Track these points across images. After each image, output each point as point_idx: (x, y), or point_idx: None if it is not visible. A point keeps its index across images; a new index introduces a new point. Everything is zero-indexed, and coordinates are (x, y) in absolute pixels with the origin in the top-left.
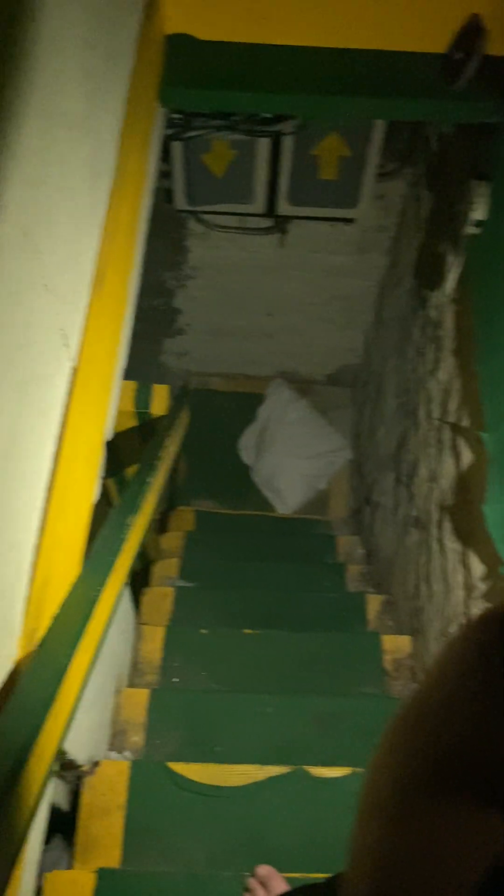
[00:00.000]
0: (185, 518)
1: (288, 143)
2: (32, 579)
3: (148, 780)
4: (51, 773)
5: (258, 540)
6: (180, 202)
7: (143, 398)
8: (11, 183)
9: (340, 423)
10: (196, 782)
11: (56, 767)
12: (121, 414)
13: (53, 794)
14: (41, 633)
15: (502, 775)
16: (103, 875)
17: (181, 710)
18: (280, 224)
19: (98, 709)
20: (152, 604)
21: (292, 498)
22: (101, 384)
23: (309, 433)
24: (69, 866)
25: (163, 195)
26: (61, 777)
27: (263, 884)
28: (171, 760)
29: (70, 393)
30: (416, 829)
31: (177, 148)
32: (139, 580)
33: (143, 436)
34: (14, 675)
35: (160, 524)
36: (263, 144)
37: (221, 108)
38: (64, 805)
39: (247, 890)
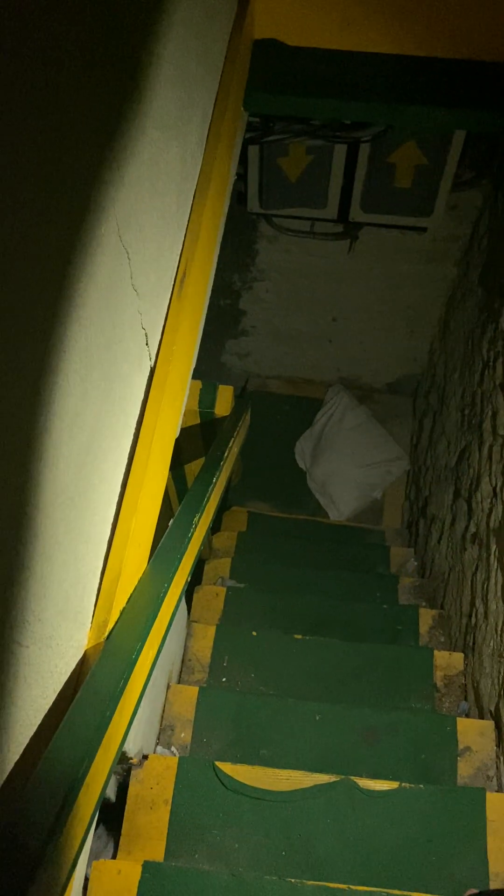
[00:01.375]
0: (237, 518)
1: (365, 150)
2: (104, 573)
3: (195, 777)
4: (117, 761)
5: (310, 545)
6: (253, 204)
7: (207, 398)
8: (109, 185)
9: (399, 433)
10: (243, 783)
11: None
12: (186, 413)
13: None
14: (110, 625)
15: None
16: (148, 868)
17: (229, 710)
18: (350, 230)
19: (150, 703)
20: (204, 602)
21: (346, 505)
22: (175, 384)
23: (366, 441)
24: (113, 856)
25: (235, 197)
26: (116, 773)
27: None
28: (218, 759)
29: (147, 392)
30: None
31: (253, 151)
32: (191, 578)
33: (205, 435)
34: (83, 664)
35: (213, 523)
36: (340, 150)
37: (305, 114)
38: (111, 796)
39: None
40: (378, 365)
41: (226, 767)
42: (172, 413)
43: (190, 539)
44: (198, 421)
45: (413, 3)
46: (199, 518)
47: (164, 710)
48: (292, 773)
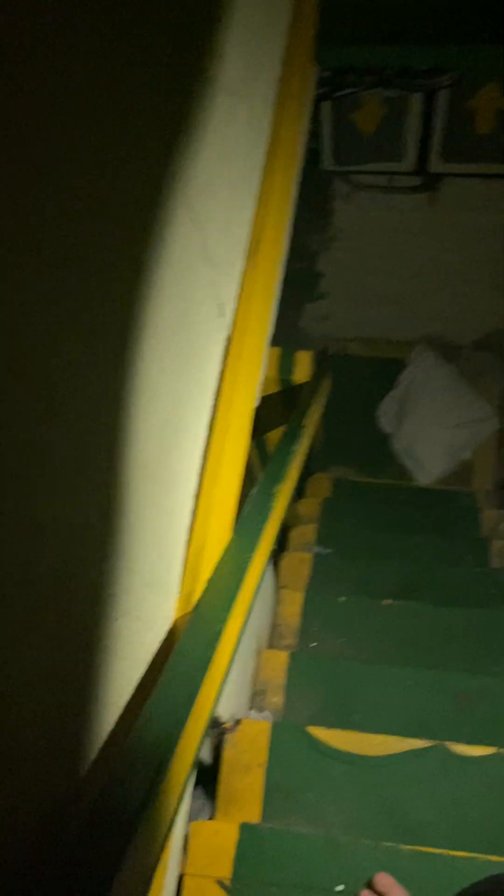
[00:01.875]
0: (322, 485)
1: (442, 97)
2: (189, 543)
3: (288, 741)
4: (206, 733)
5: (396, 510)
6: (328, 162)
7: (286, 364)
8: (175, 155)
9: (488, 391)
10: (335, 748)
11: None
12: (266, 380)
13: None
14: (196, 596)
15: None
16: (245, 829)
17: (320, 674)
18: (430, 182)
19: (240, 669)
20: (290, 568)
21: (433, 468)
22: (252, 353)
23: (453, 401)
24: (210, 817)
25: (309, 155)
26: (209, 734)
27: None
28: (310, 724)
29: (224, 362)
30: None
31: (325, 107)
32: (277, 545)
33: (285, 403)
34: (171, 635)
35: (297, 490)
36: (416, 100)
37: (380, 63)
38: (207, 759)
39: None
40: (463, 321)
41: (318, 732)
42: (250, 382)
43: (272, 507)
44: (277, 388)
45: None
46: (281, 486)
47: (255, 675)
48: (385, 738)
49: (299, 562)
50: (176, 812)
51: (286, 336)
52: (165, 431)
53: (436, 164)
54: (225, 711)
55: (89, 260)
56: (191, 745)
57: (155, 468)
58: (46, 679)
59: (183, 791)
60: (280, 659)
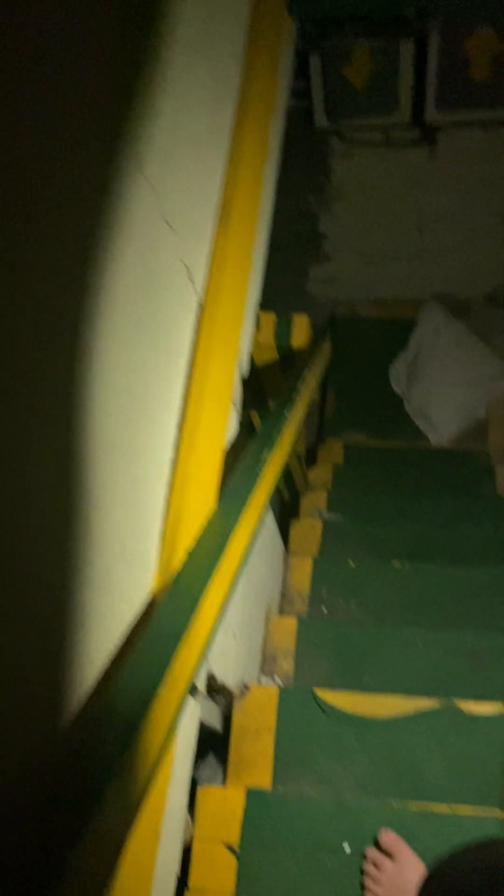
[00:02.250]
0: (333, 450)
1: (434, 43)
2: (166, 514)
3: (296, 705)
4: (186, 698)
5: (409, 472)
6: (320, 120)
7: (283, 330)
8: (124, 114)
9: (500, 347)
10: (343, 710)
11: (198, 692)
12: (263, 347)
13: (208, 715)
14: (176, 566)
15: None
16: (252, 795)
17: (329, 639)
18: (428, 134)
19: (248, 636)
20: (301, 535)
21: (446, 428)
22: (230, 318)
23: (465, 358)
24: (223, 782)
25: (302, 114)
26: (214, 700)
27: (389, 853)
28: (320, 687)
29: (197, 329)
30: None
31: (315, 63)
32: (289, 512)
33: (285, 369)
34: (151, 607)
35: (309, 456)
36: (407, 48)
37: (356, 10)
38: (217, 726)
39: (373, 865)
40: (473, 276)
41: (326, 695)
42: (227, 349)
43: (259, 474)
44: (276, 356)
45: None
46: (271, 453)
47: (265, 642)
48: (394, 698)
49: (310, 528)
50: (151, 777)
51: (295, 301)
52: (130, 401)
53: (431, 115)
54: (233, 679)
55: (33, 225)
56: (166, 712)
57: (118, 440)
58: (8, 652)
59: (159, 757)
60: (289, 625)
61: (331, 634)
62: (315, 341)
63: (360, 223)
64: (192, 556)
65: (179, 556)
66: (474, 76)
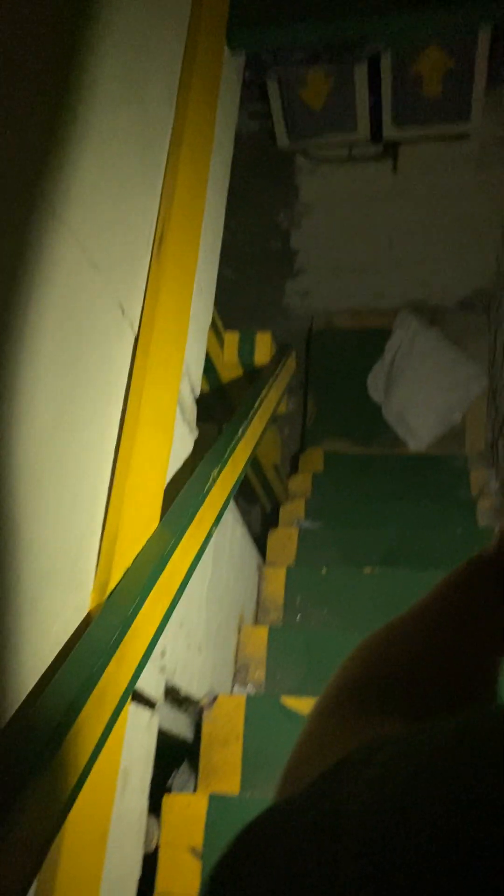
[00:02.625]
0: (313, 459)
1: (386, 64)
2: (103, 536)
3: (263, 712)
4: (122, 710)
5: (387, 478)
6: (282, 140)
7: (246, 348)
8: (36, 174)
9: (476, 351)
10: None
11: (155, 705)
12: (228, 365)
13: (179, 726)
14: (112, 585)
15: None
16: (214, 800)
17: (300, 646)
18: (389, 149)
19: (217, 647)
20: (277, 545)
21: (424, 433)
22: (168, 346)
23: (440, 364)
24: (195, 789)
25: (266, 136)
26: (184, 711)
27: None
28: (289, 694)
29: (133, 358)
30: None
31: (272, 87)
32: (270, 522)
33: (252, 383)
34: (87, 623)
35: (291, 465)
36: (360, 69)
37: (295, 42)
38: (189, 736)
39: None
40: (445, 283)
41: (290, 702)
42: (167, 375)
43: (207, 492)
44: (241, 372)
45: None
46: (220, 470)
47: (237, 651)
48: None
49: (287, 538)
50: (77, 787)
51: (272, 316)
52: (55, 430)
53: (389, 131)
54: (201, 689)
55: None
56: (94, 724)
57: (42, 467)
58: None
59: (87, 768)
60: (260, 634)
61: (301, 642)
62: (279, 356)
63: (331, 237)
64: (128, 574)
65: (116, 576)
66: (427, 93)
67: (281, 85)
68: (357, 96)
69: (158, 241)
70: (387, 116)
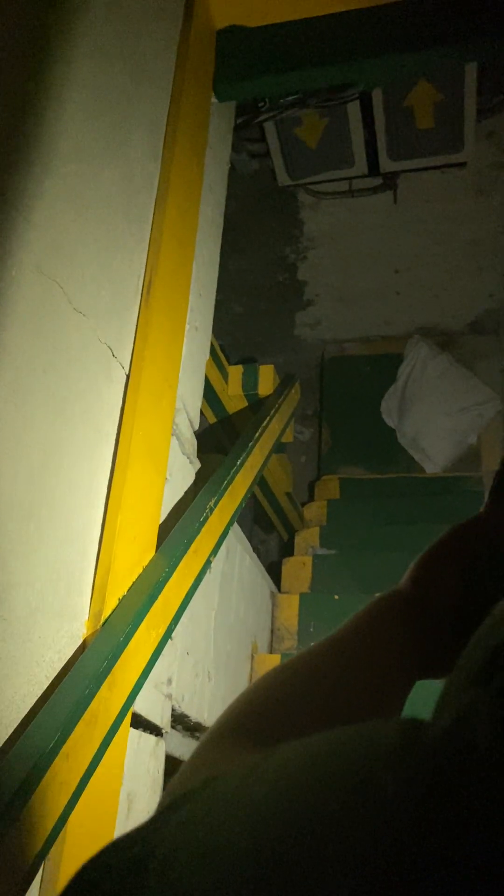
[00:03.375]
0: (329, 486)
1: (378, 100)
2: (97, 567)
3: None
4: (111, 736)
5: (403, 503)
6: (282, 178)
7: (250, 381)
8: (17, 231)
9: (488, 373)
10: None
11: (161, 731)
12: (233, 398)
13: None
14: (106, 614)
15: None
16: None
17: None
18: (388, 181)
19: (228, 674)
20: (291, 573)
21: (439, 456)
22: (160, 383)
23: (453, 387)
24: None
25: (268, 173)
26: (195, 738)
27: None
28: None
29: (124, 397)
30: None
31: (269, 127)
32: (287, 550)
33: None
34: (80, 652)
35: (309, 494)
36: (353, 107)
37: (280, 90)
38: None
39: None
40: (453, 308)
41: None
42: (157, 410)
43: (203, 522)
44: (246, 403)
45: None
46: (217, 500)
47: (250, 680)
48: None
49: (300, 565)
50: (70, 805)
51: (284, 347)
52: (43, 472)
53: (386, 164)
54: (215, 715)
55: None
56: (86, 747)
57: (30, 507)
58: None
59: (79, 788)
60: (272, 662)
61: None
62: (282, 387)
63: (337, 268)
64: (122, 603)
65: (110, 605)
66: (420, 125)
67: (277, 125)
68: (352, 132)
69: (147, 287)
70: (382, 150)
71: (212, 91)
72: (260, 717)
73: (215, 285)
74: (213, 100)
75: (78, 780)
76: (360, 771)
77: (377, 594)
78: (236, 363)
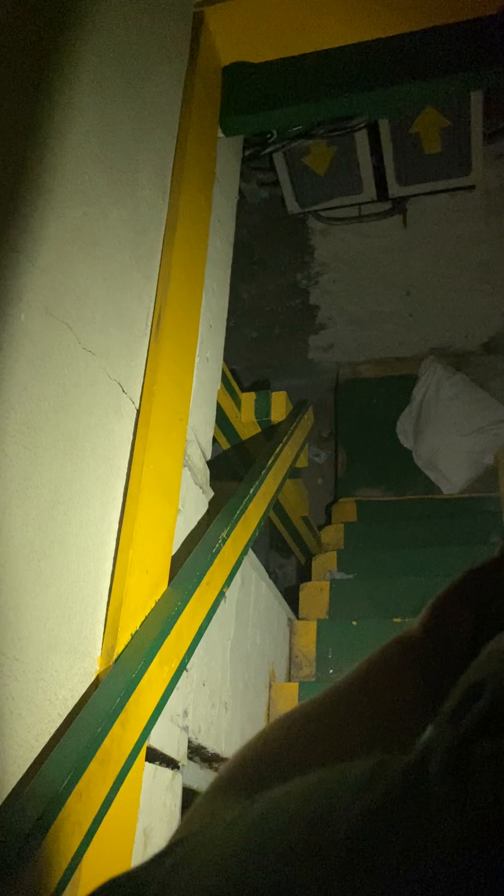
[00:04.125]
0: (346, 510)
1: (385, 127)
2: (109, 603)
3: None
4: (125, 773)
5: (420, 524)
6: (291, 206)
7: (262, 407)
8: (18, 275)
9: (503, 393)
10: None
11: (178, 764)
12: (246, 424)
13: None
14: (119, 650)
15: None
16: None
17: None
18: (397, 205)
19: (247, 704)
20: (309, 598)
21: (456, 477)
22: (170, 416)
23: (468, 408)
24: None
25: (278, 202)
26: (213, 769)
27: None
28: None
29: (135, 431)
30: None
31: (278, 157)
32: (304, 574)
33: (268, 441)
34: (93, 689)
35: (326, 517)
36: (361, 134)
37: (286, 124)
38: None
39: None
40: (466, 328)
41: None
42: (168, 443)
43: (216, 553)
44: (259, 430)
45: None
46: (230, 531)
47: (269, 708)
48: None
49: (318, 591)
50: (84, 844)
51: (299, 370)
52: (53, 510)
53: (394, 189)
54: (233, 746)
55: None
56: (99, 786)
57: (42, 545)
58: None
59: (93, 826)
60: (290, 691)
61: None
62: (295, 413)
63: (349, 291)
64: (135, 638)
65: (122, 641)
66: (427, 150)
67: (285, 154)
68: (360, 159)
69: (157, 322)
70: (390, 176)
71: (218, 126)
72: (254, 770)
73: (226, 315)
74: (220, 134)
75: (91, 819)
76: (323, 804)
77: (396, 619)
78: (251, 387)
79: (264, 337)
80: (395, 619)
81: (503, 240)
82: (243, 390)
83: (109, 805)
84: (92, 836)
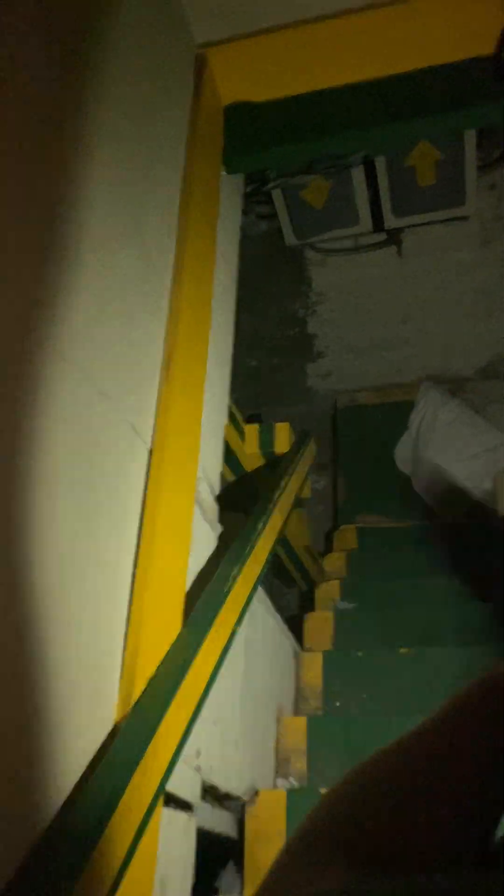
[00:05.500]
0: (347, 537)
1: (380, 161)
2: (125, 649)
3: (303, 807)
4: (146, 823)
5: (421, 550)
6: (289, 238)
7: (266, 439)
8: (39, 321)
9: (499, 418)
10: None
11: (192, 809)
12: (251, 456)
13: (222, 824)
14: (136, 696)
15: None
16: None
17: (339, 735)
18: (393, 236)
19: (256, 741)
20: (314, 629)
21: (455, 503)
22: (181, 455)
23: (465, 433)
24: (242, 890)
25: (276, 234)
26: (226, 808)
27: None
28: (332, 785)
29: (148, 472)
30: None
31: (276, 191)
32: (307, 602)
33: (272, 475)
34: (111, 737)
35: (326, 544)
36: (357, 169)
37: (287, 162)
38: (234, 833)
39: None
40: (462, 354)
41: None
42: (180, 482)
43: (227, 592)
44: (263, 461)
45: (353, 35)
46: (241, 568)
47: (278, 743)
48: None
49: (322, 621)
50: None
51: (297, 398)
52: (71, 558)
53: (390, 221)
54: (242, 786)
55: None
56: (121, 840)
57: (58, 594)
58: None
59: (115, 884)
60: (299, 725)
61: (339, 731)
62: (298, 443)
63: (346, 320)
64: (151, 684)
65: (139, 687)
66: (422, 183)
67: (283, 189)
68: (356, 192)
69: (166, 360)
70: (386, 208)
71: (221, 165)
72: (337, 829)
73: (231, 350)
74: (223, 172)
75: (114, 875)
76: None
77: (402, 649)
78: (251, 415)
79: (264, 366)
80: (402, 650)
81: (497, 267)
82: (243, 419)
83: (130, 859)
84: (114, 894)
